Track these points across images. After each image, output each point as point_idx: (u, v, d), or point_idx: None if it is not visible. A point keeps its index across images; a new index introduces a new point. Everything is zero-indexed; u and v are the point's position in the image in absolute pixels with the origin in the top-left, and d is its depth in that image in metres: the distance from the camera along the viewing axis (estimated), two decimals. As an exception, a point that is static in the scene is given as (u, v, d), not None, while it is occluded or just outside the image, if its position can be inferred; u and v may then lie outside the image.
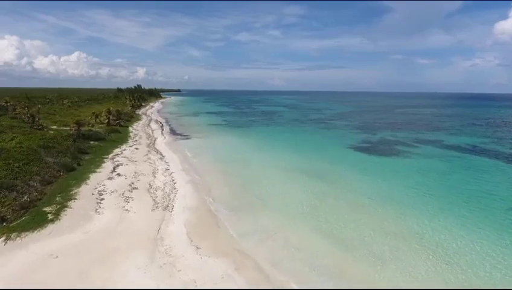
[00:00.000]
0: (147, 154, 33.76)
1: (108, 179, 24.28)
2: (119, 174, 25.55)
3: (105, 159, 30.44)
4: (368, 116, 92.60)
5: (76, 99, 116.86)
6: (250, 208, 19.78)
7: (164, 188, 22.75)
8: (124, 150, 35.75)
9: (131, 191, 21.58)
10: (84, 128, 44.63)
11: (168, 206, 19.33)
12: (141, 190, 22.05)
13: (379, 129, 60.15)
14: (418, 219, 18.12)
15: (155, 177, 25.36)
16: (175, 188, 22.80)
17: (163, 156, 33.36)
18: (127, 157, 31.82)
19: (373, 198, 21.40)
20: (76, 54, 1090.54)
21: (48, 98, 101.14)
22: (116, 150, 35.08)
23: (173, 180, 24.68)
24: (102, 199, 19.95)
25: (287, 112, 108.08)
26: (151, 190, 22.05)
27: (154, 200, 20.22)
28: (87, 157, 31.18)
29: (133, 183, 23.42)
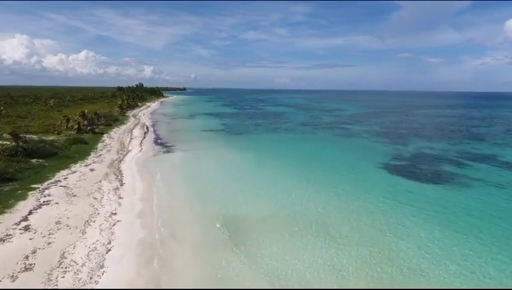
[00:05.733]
0: (100, 181, 23.99)
1: (0, 240, 14.51)
2: (26, 228, 15.77)
3: (30, 192, 20.73)
4: (387, 119, 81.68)
5: (68, 98, 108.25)
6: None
7: (83, 265, 12.86)
8: (74, 172, 26.05)
9: (15, 278, 11.75)
10: (42, 138, 35.30)
11: (56, 334, 9.44)
12: (36, 273, 12.20)
13: (408, 137, 49.58)
14: None
15: (83, 234, 15.49)
16: (102, 267, 12.89)
17: (122, 184, 23.57)
18: (68, 188, 22.07)
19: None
20: (84, 52, 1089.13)
21: (32, 98, 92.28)
22: (62, 173, 25.42)
23: (109, 243, 14.78)
24: None
25: (295, 113, 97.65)
26: (54, 274, 12.18)
27: (41, 308, 10.36)
28: (8, 187, 21.57)
29: (34, 252, 13.60)
